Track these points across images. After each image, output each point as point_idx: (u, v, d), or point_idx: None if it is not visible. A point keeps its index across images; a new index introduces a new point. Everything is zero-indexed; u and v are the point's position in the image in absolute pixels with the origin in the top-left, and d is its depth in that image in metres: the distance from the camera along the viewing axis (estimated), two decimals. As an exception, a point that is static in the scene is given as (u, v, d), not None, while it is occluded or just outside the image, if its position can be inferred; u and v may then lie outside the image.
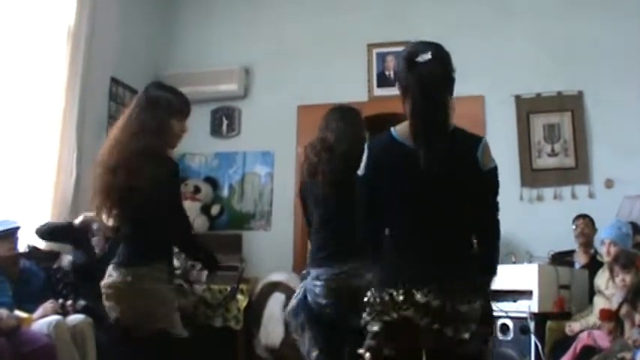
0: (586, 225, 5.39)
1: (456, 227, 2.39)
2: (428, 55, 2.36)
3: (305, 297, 3.50)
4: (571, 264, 5.33)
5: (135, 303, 2.94)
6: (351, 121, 3.57)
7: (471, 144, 2.41)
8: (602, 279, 4.75)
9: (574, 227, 5.43)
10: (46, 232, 4.83)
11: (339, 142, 3.43)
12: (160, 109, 3.07)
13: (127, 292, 2.93)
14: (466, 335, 2.23)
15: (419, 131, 2.35)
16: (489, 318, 2.38)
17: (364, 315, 2.36)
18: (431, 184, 2.34)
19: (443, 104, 2.39)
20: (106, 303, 3.00)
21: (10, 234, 4.36)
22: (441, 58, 2.41)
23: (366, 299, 2.36)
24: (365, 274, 2.96)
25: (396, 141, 2.41)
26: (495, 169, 2.48)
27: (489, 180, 2.47)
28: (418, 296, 2.23)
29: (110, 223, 3.09)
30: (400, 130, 2.43)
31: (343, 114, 3.59)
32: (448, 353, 2.24)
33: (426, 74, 2.36)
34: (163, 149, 3.07)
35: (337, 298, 3.35)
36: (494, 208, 2.53)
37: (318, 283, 3.40)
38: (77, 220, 4.84)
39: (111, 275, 2.98)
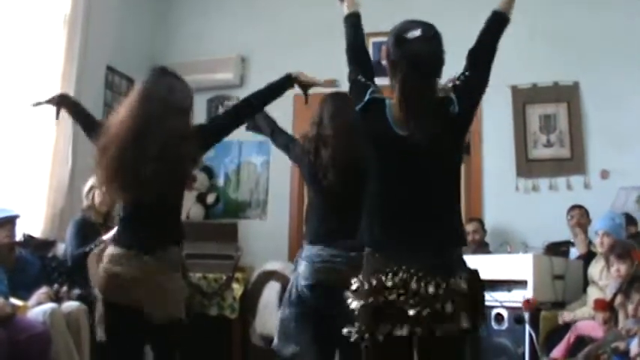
0: (581, 215, 5.41)
1: (442, 202, 2.38)
2: (417, 32, 2.35)
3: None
4: (565, 254, 5.35)
5: (158, 291, 2.88)
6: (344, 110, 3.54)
7: (446, 104, 2.36)
8: (595, 270, 4.77)
9: (569, 218, 5.45)
10: (84, 264, 4.49)
11: (335, 136, 3.40)
12: (184, 94, 3.07)
13: (150, 280, 2.86)
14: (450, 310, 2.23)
15: (409, 109, 2.32)
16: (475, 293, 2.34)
17: (351, 301, 2.34)
18: (417, 162, 2.32)
19: (432, 82, 2.36)
20: (111, 287, 2.89)
21: (9, 222, 4.36)
22: (431, 36, 2.38)
23: (353, 285, 2.35)
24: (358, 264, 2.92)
25: (384, 115, 2.38)
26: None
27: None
28: (412, 283, 2.23)
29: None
30: (394, 108, 2.39)
31: (335, 103, 3.58)
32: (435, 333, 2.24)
33: (416, 51, 2.33)
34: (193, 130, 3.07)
35: (319, 283, 3.27)
36: None
37: (304, 262, 3.34)
38: (108, 237, 4.58)
39: (121, 261, 2.88)
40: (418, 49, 2.34)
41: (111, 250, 2.95)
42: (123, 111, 2.96)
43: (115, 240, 3.00)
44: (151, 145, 2.83)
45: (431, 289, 2.21)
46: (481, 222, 5.83)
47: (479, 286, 2.32)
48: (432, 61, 2.36)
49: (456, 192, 2.44)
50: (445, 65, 2.46)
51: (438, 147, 2.30)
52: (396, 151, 2.35)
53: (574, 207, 5.48)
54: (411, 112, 2.31)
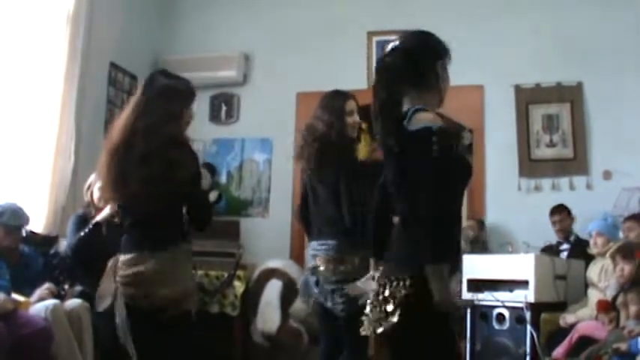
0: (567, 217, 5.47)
1: (411, 211, 2.28)
2: (394, 44, 2.42)
3: None
4: (557, 253, 5.34)
5: (170, 287, 2.96)
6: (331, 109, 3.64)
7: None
8: (593, 272, 4.77)
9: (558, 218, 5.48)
10: (84, 251, 4.50)
11: (324, 131, 3.55)
12: (176, 98, 3.10)
13: (162, 277, 2.94)
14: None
15: (376, 121, 2.40)
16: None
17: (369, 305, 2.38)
18: (395, 171, 2.36)
19: (396, 95, 2.37)
20: (130, 290, 2.97)
21: (19, 226, 4.38)
22: (408, 48, 2.40)
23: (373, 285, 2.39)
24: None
25: None
26: (424, 129, 2.23)
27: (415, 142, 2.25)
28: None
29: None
30: None
31: (327, 101, 3.68)
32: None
33: (383, 64, 2.42)
34: (185, 137, 3.13)
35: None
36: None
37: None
38: (101, 217, 4.55)
39: (137, 263, 2.95)
40: (386, 62, 2.42)
41: (124, 257, 3.01)
42: (121, 118, 3.07)
43: (125, 247, 3.05)
44: (138, 153, 2.92)
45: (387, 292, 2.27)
46: (480, 221, 5.81)
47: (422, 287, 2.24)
48: (400, 73, 2.38)
49: (438, 200, 2.22)
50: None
51: (400, 152, 2.31)
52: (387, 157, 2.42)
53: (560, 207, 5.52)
54: (378, 123, 2.40)
